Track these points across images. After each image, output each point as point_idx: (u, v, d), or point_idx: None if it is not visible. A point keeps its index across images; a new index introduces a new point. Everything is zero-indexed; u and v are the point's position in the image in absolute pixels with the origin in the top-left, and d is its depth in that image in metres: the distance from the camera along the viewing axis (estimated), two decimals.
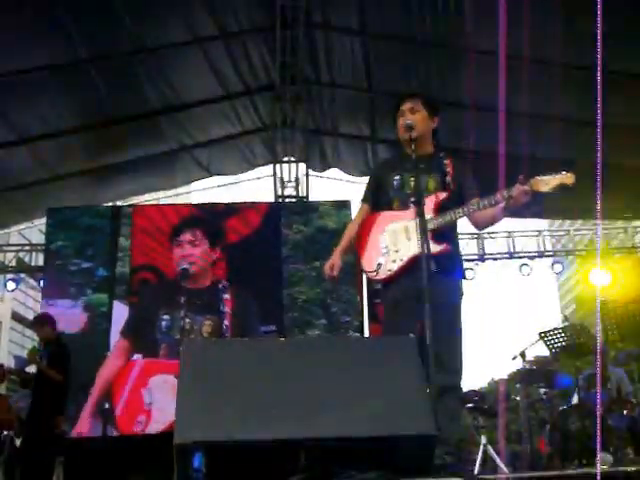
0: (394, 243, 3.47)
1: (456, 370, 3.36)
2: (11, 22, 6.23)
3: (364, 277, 7.16)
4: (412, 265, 3.33)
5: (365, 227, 3.65)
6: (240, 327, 7.96)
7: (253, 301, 8.15)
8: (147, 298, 8.21)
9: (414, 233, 3.37)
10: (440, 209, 3.42)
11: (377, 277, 3.52)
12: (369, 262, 3.54)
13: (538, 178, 3.25)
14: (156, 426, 7.50)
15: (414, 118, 3.56)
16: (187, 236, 8.29)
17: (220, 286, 8.15)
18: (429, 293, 2.93)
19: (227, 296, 8.08)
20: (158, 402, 7.60)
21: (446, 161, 3.56)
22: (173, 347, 7.71)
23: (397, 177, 3.60)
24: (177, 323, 7.77)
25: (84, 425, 7.61)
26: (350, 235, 3.73)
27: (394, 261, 3.44)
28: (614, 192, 7.42)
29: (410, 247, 3.39)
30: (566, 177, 3.24)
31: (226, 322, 7.94)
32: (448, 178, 3.50)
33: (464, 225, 3.63)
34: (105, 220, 8.61)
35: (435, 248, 3.22)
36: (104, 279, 8.30)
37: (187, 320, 7.70)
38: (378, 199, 3.71)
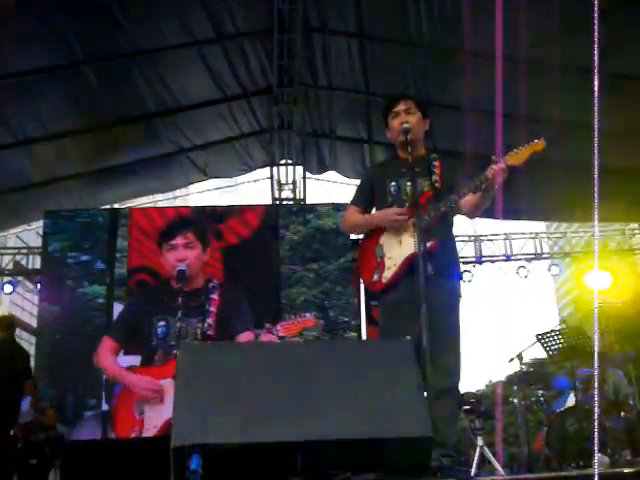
0: (388, 250, 3.50)
1: (453, 372, 3.36)
2: (9, 24, 6.23)
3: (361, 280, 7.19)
4: (406, 267, 3.35)
5: (363, 242, 3.70)
6: (225, 328, 7.92)
7: (244, 302, 8.12)
8: (141, 300, 8.19)
9: (404, 236, 3.40)
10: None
11: (376, 287, 3.55)
12: (367, 275, 3.58)
13: (510, 153, 3.28)
14: (147, 432, 7.50)
15: (410, 120, 3.56)
16: (180, 239, 8.26)
17: (210, 286, 8.13)
18: (426, 294, 2.94)
19: (214, 296, 8.07)
20: (149, 410, 7.60)
21: (435, 162, 3.56)
22: (167, 353, 7.70)
23: (393, 183, 3.60)
24: (172, 328, 7.76)
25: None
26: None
27: (389, 268, 3.46)
28: (612, 194, 7.45)
29: (402, 250, 3.42)
30: (536, 144, 3.29)
31: (209, 320, 7.91)
32: (434, 177, 3.50)
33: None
34: (103, 222, 8.60)
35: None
36: (101, 272, 8.29)
37: (182, 324, 7.69)
38: (373, 204, 3.71)
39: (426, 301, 2.93)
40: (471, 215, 3.58)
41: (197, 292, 8.05)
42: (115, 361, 7.82)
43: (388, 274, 3.45)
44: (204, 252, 8.29)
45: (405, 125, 3.46)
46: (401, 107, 3.62)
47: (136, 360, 7.87)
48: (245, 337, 7.87)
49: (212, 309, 8.00)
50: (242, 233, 8.55)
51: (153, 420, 7.50)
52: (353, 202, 3.81)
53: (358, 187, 3.89)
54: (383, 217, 3.54)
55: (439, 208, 3.38)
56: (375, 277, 3.50)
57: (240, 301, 8.10)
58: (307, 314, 8.14)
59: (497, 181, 3.23)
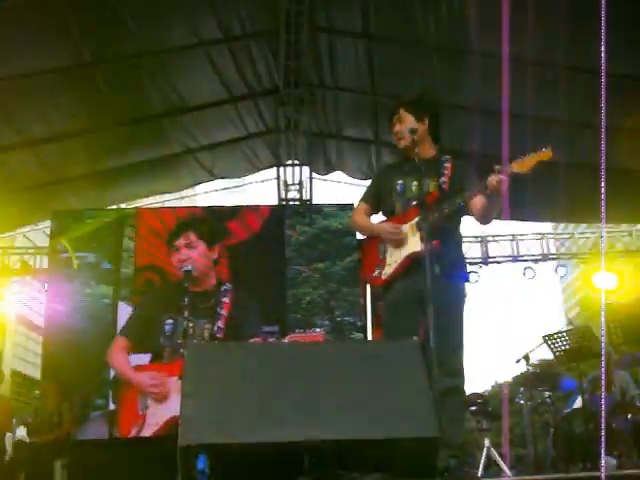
0: (391, 248, 3.51)
1: (459, 372, 3.36)
2: (15, 25, 6.25)
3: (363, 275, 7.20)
4: (408, 266, 3.38)
5: (368, 238, 3.77)
6: (234, 332, 7.90)
7: (256, 305, 8.10)
8: (151, 300, 8.19)
9: (407, 235, 3.42)
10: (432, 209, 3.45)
11: (376, 283, 3.59)
12: (368, 271, 3.64)
13: (517, 160, 3.27)
14: (149, 429, 7.49)
15: (399, 129, 3.69)
16: (181, 240, 8.23)
17: (222, 289, 8.12)
18: (432, 295, 2.94)
19: (226, 299, 8.05)
20: (152, 407, 7.60)
21: (447, 164, 3.57)
22: (174, 351, 7.70)
23: (400, 182, 3.63)
24: (180, 327, 7.75)
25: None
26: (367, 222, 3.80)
27: (389, 265, 3.49)
28: (619, 195, 7.42)
29: (404, 249, 3.44)
30: (543, 153, 3.27)
31: (219, 324, 7.89)
32: (443, 179, 3.51)
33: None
34: (109, 222, 8.61)
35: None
36: (108, 272, 8.29)
37: (190, 324, 7.67)
38: (380, 203, 3.75)
39: (431, 301, 2.94)
40: (481, 220, 3.58)
41: (207, 294, 8.02)
42: (126, 360, 7.83)
43: (388, 271, 3.49)
44: (210, 250, 8.24)
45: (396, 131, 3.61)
46: (396, 116, 3.74)
47: (145, 358, 7.87)
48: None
49: (223, 312, 7.97)
50: (248, 233, 8.54)
51: (155, 417, 7.47)
52: (362, 199, 3.89)
53: (369, 185, 3.97)
54: (380, 229, 3.61)
55: (443, 210, 3.38)
56: (375, 273, 3.56)
57: (252, 307, 8.07)
58: (317, 329, 8.14)
59: (500, 189, 3.22)
